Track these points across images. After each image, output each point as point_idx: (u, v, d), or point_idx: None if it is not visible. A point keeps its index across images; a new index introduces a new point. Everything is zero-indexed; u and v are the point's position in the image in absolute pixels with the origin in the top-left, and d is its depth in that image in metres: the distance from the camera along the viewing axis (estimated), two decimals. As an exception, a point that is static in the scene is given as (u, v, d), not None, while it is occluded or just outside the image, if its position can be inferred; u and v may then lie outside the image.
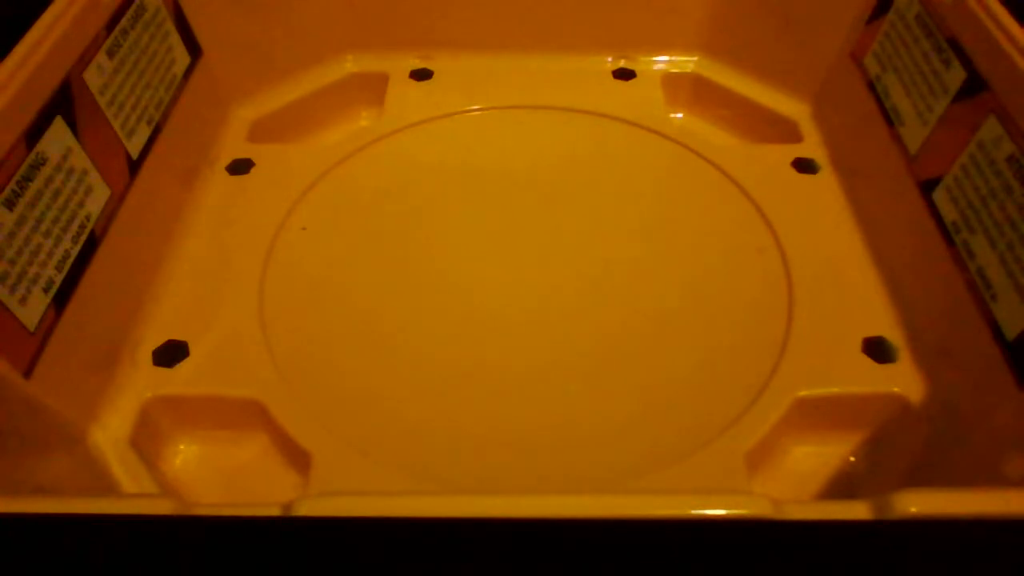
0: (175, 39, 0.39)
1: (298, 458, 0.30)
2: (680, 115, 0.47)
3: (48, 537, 0.19)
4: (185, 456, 0.32)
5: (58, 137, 0.30)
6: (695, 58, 0.47)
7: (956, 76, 0.33)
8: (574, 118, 0.44)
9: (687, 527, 0.20)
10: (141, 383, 0.32)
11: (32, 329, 0.27)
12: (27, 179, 0.28)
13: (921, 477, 0.30)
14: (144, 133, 0.36)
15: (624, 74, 0.47)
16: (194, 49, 0.41)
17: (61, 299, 0.29)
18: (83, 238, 0.31)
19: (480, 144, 0.43)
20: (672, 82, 0.47)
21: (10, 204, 0.27)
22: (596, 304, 0.35)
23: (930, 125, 0.34)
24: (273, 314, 0.34)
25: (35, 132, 0.28)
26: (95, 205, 0.31)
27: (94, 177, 0.32)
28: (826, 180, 0.40)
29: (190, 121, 0.39)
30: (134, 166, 0.35)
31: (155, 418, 0.31)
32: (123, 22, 0.35)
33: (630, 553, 0.18)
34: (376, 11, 0.46)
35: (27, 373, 0.27)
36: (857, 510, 0.20)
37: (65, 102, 0.30)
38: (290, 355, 0.33)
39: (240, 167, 0.41)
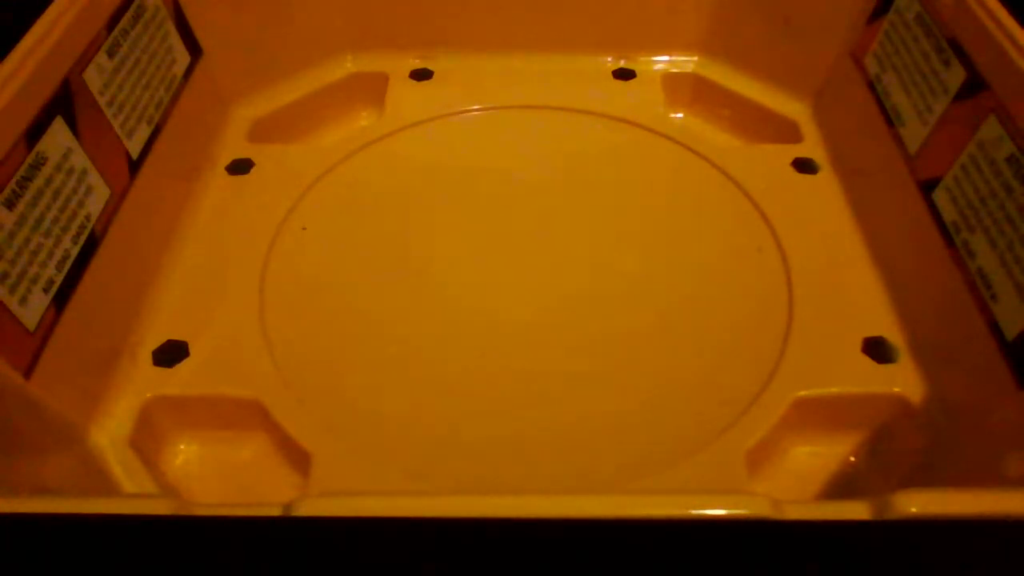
0: (175, 39, 0.39)
1: (298, 458, 0.30)
2: (680, 115, 0.47)
3: (48, 537, 0.19)
4: (185, 456, 0.32)
5: (58, 137, 0.30)
6: (695, 58, 0.47)
7: (956, 76, 0.33)
8: (574, 118, 0.44)
9: (687, 527, 0.20)
10: (141, 383, 0.32)
11: (32, 329, 0.27)
12: (27, 179, 0.28)
13: (921, 477, 0.30)
14: (144, 133, 0.36)
15: (624, 74, 0.47)
16: (194, 49, 0.41)
17: (61, 299, 0.29)
18: (83, 238, 0.31)
19: (480, 144, 0.43)
20: (672, 82, 0.47)
21: (10, 204, 0.27)
22: (596, 304, 0.35)
23: (930, 125, 0.34)
24: (273, 314, 0.34)
25: (35, 132, 0.28)
26: (95, 205, 0.31)
27: (94, 177, 0.32)
28: (826, 180, 0.40)
29: (190, 121, 0.39)
30: (134, 166, 0.35)
31: (155, 418, 0.31)
32: (123, 22, 0.35)
33: (630, 553, 0.18)
34: (376, 11, 0.46)
35: (27, 373, 0.27)
36: (857, 510, 0.20)
37: (65, 102, 0.30)
38: (290, 355, 0.33)
39: (240, 167, 0.41)
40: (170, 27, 0.39)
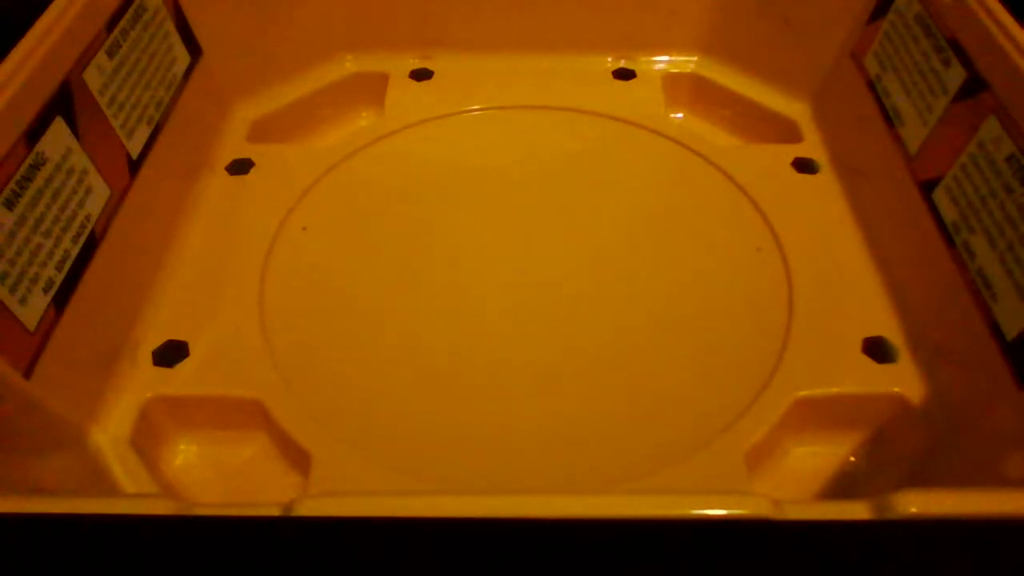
0: (175, 39, 0.39)
1: (298, 458, 0.30)
2: (680, 115, 0.47)
3: (48, 537, 0.19)
4: (185, 456, 0.32)
5: (58, 137, 0.30)
6: (695, 58, 0.47)
7: (956, 76, 0.33)
8: (574, 118, 0.44)
9: (687, 527, 0.20)
10: (141, 383, 0.32)
11: (32, 329, 0.27)
12: (27, 179, 0.28)
13: (921, 477, 0.30)
14: (144, 133, 0.36)
15: (624, 74, 0.47)
16: (194, 49, 0.41)
17: (61, 299, 0.29)
18: (83, 238, 0.31)
19: (480, 144, 0.43)
20: (672, 82, 0.47)
21: (10, 204, 0.27)
22: (596, 304, 0.35)
23: (930, 125, 0.34)
24: (273, 314, 0.34)
25: (35, 132, 0.28)
26: (95, 205, 0.31)
27: (94, 177, 0.32)
28: (826, 180, 0.40)
29: (190, 121, 0.39)
30: (134, 166, 0.35)
31: (155, 418, 0.31)
32: (123, 22, 0.35)
33: (630, 553, 0.18)
34: (376, 11, 0.46)
35: (27, 373, 0.27)
36: (857, 510, 0.20)
37: (65, 102, 0.30)
38: (290, 355, 0.33)
39: (240, 167, 0.41)
40: (170, 27, 0.39)
